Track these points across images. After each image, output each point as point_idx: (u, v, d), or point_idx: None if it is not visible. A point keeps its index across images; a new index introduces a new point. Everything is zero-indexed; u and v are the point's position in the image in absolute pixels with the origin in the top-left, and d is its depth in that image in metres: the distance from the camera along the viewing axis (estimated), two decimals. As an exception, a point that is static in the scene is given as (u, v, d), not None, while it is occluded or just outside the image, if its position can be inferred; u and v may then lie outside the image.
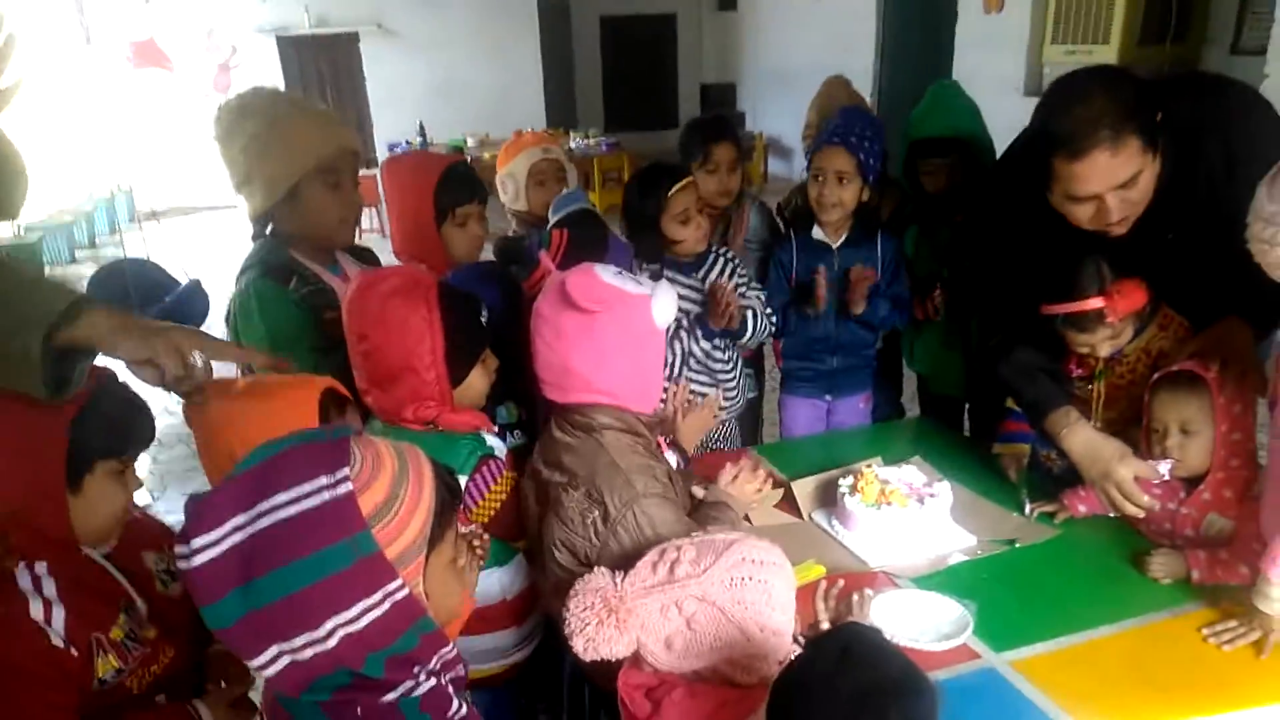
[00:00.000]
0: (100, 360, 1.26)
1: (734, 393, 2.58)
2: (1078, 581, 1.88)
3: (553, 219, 2.35)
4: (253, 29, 10.43)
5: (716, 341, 2.48)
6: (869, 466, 2.12)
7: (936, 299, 2.58)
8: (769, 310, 2.51)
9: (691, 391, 2.46)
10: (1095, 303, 1.89)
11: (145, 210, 10.52)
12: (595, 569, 1.34)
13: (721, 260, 2.51)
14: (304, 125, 1.87)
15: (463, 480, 1.56)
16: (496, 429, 1.77)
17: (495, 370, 1.68)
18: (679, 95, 13.88)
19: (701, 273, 2.46)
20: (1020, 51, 6.48)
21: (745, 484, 1.82)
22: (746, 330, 2.44)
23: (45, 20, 9.68)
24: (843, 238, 2.57)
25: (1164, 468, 1.83)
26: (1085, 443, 1.94)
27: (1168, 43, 5.63)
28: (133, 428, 1.31)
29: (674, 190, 2.37)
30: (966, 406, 2.90)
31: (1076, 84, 1.78)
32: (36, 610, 1.19)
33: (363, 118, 11.24)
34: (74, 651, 1.21)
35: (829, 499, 2.12)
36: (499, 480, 1.63)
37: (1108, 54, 5.76)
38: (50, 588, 1.21)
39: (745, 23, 11.83)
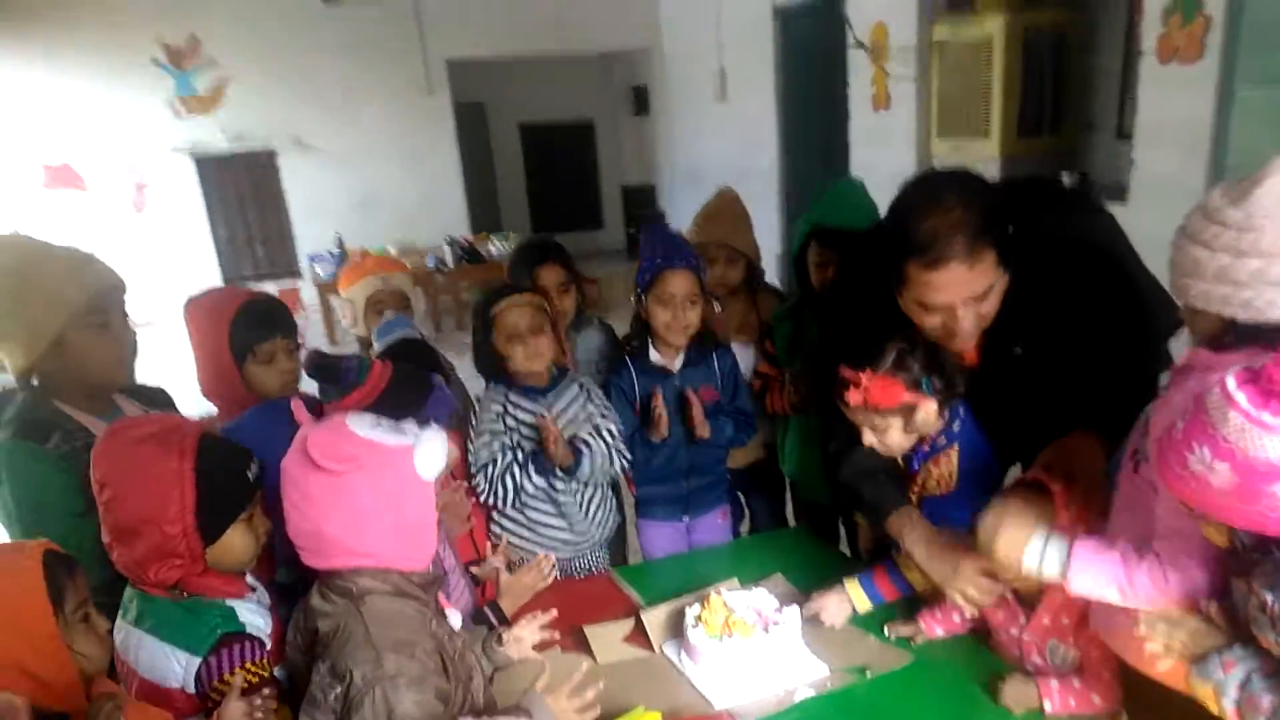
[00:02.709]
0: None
1: (589, 522, 2.47)
2: (930, 714, 1.80)
3: (377, 347, 2.28)
4: (168, 148, 10.38)
5: (559, 473, 2.38)
6: (717, 593, 2.04)
7: (788, 392, 2.54)
8: (618, 446, 2.41)
9: (511, 545, 2.40)
10: (852, 377, 1.85)
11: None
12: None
13: (575, 386, 2.44)
14: (53, 271, 1.76)
15: (195, 662, 1.43)
16: (267, 600, 1.62)
17: (267, 532, 1.56)
18: (602, 196, 14.16)
19: (550, 399, 2.39)
20: (909, 146, 6.68)
21: (563, 700, 1.59)
22: (582, 466, 2.34)
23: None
24: (681, 358, 2.52)
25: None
26: (927, 542, 1.88)
27: (1044, 133, 5.84)
28: None
29: (500, 307, 2.31)
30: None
31: (936, 189, 1.73)
32: None
33: (285, 232, 11.19)
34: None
35: (680, 629, 2.03)
36: (251, 663, 1.47)
37: (990, 147, 5.95)
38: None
39: (659, 126, 12.13)
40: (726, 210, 2.89)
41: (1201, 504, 1.22)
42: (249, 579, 1.62)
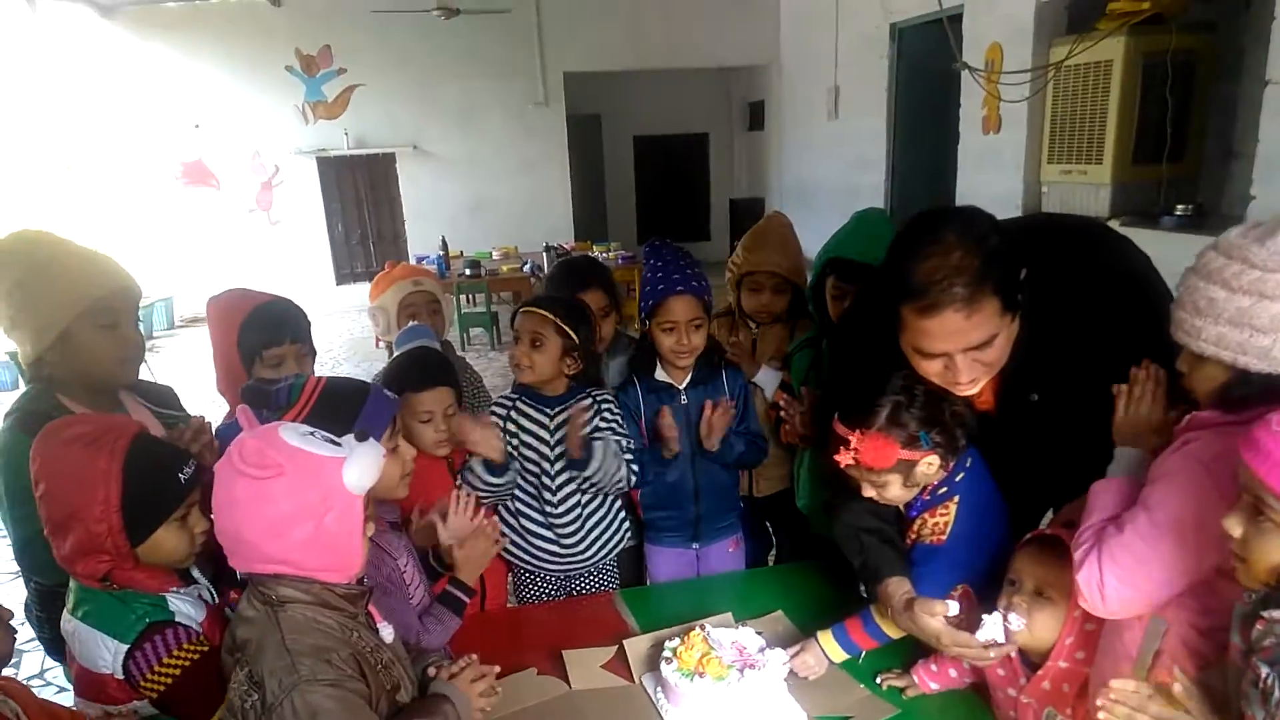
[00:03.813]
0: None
1: (584, 540, 2.41)
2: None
3: (395, 352, 2.29)
4: (294, 151, 10.93)
5: (546, 480, 2.35)
6: (702, 628, 1.95)
7: (796, 423, 2.43)
8: (628, 458, 2.34)
9: (505, 552, 2.37)
10: (844, 433, 1.74)
11: (187, 316, 10.96)
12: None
13: (590, 399, 2.39)
14: (71, 267, 1.83)
15: (123, 649, 1.44)
16: (198, 593, 1.62)
17: (205, 532, 1.55)
18: (710, 209, 14.12)
19: (557, 410, 2.35)
20: (1018, 170, 6.38)
21: (468, 679, 1.62)
22: (591, 461, 2.26)
23: (97, 140, 10.30)
24: (688, 377, 2.44)
25: (1014, 623, 1.63)
26: (906, 627, 1.77)
27: (1164, 161, 5.47)
28: None
29: (520, 314, 2.31)
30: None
31: (937, 229, 1.56)
32: None
33: (397, 232, 11.62)
34: None
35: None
36: (179, 649, 1.49)
37: (1102, 174, 5.62)
38: None
39: (772, 141, 12.03)
40: (775, 236, 2.76)
41: None
42: (194, 573, 1.64)
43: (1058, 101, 6.02)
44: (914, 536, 1.88)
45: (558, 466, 2.35)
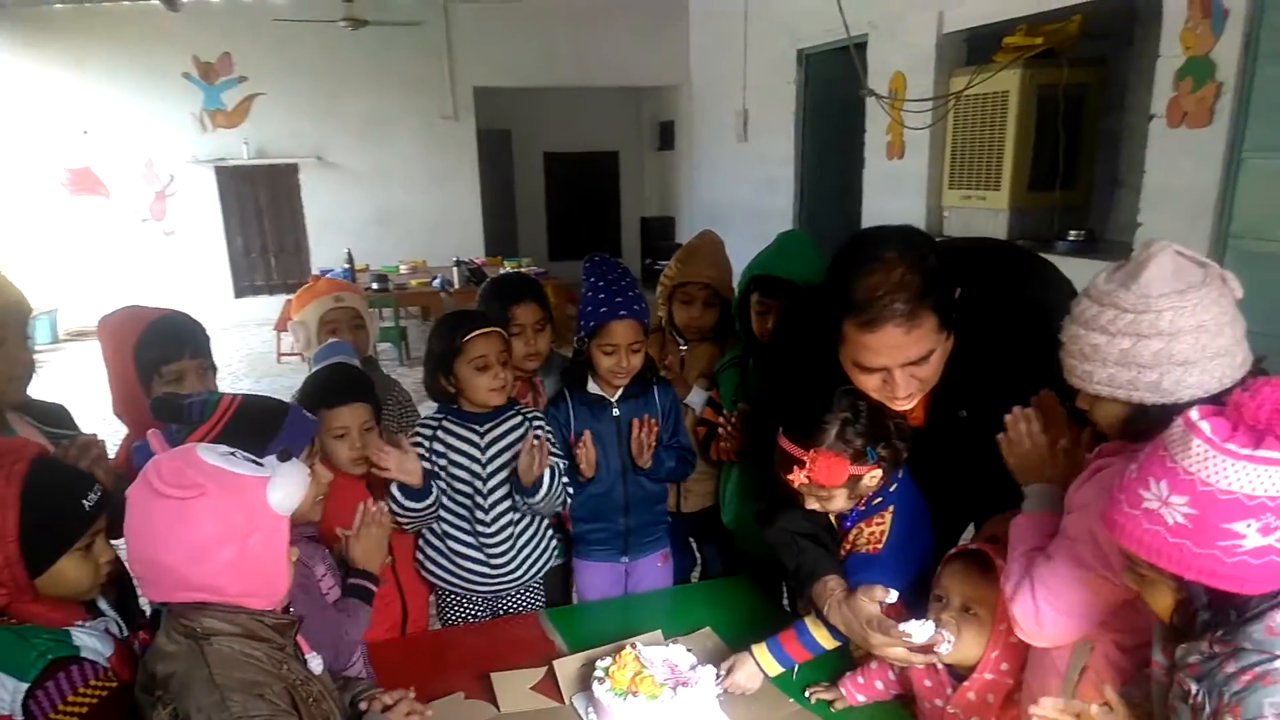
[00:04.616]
0: None
1: (514, 559, 2.37)
2: (836, 787, 1.70)
3: (312, 368, 2.23)
4: (190, 159, 10.52)
5: (479, 500, 2.31)
6: (633, 646, 1.94)
7: (724, 440, 2.46)
8: (565, 481, 2.35)
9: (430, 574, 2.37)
10: (797, 452, 1.78)
11: (73, 329, 10.39)
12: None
13: (519, 417, 2.37)
14: None
15: (22, 688, 1.34)
16: (105, 626, 1.52)
17: (110, 562, 1.47)
18: (622, 227, 14.19)
19: (487, 426, 2.32)
20: (921, 195, 6.62)
21: (402, 712, 1.61)
22: (540, 488, 2.26)
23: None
24: (620, 391, 2.45)
25: (944, 645, 1.66)
26: (844, 620, 1.80)
27: (1057, 188, 5.75)
28: None
29: (472, 335, 2.26)
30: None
31: (879, 247, 1.62)
32: None
33: (300, 245, 11.29)
34: None
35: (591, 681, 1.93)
36: (84, 687, 1.38)
37: (1000, 199, 5.86)
38: None
39: (682, 161, 12.15)
40: (709, 250, 2.81)
41: (1151, 549, 1.10)
42: (101, 605, 1.55)
43: (958, 129, 6.28)
44: (849, 547, 1.91)
45: (491, 484, 2.31)
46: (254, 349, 9.63)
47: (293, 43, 10.29)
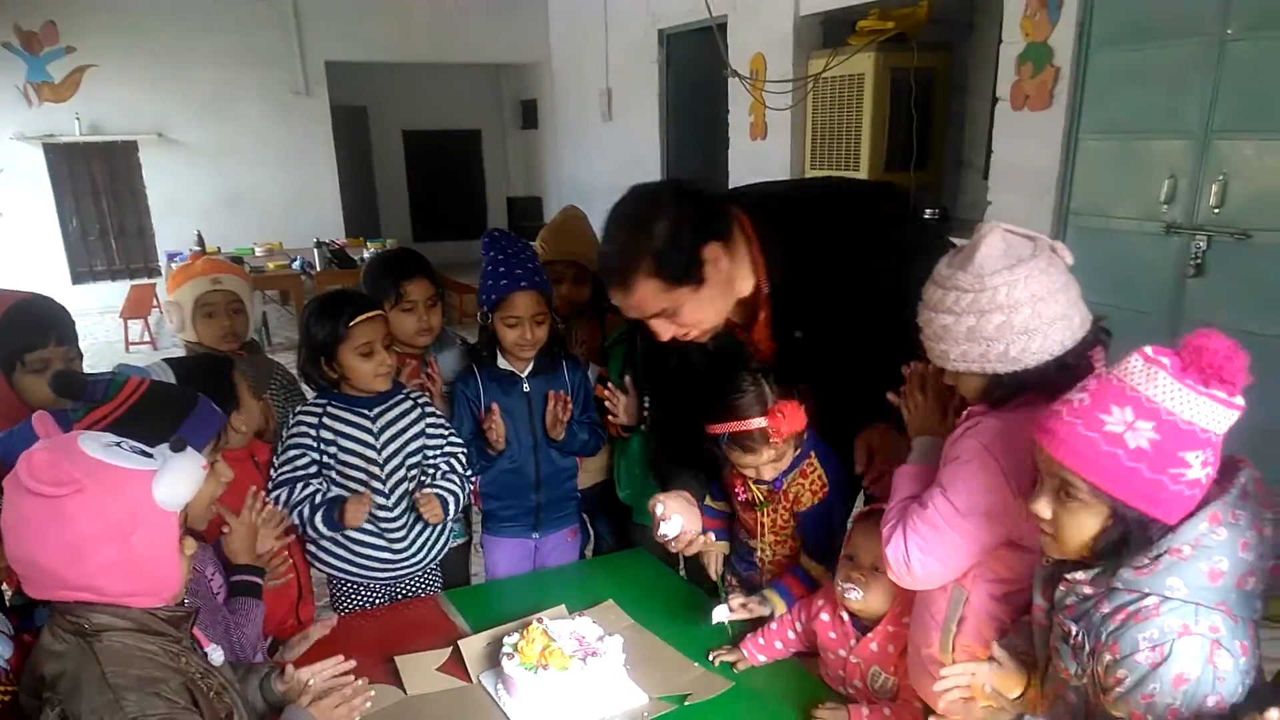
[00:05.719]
0: None
1: (414, 543, 2.36)
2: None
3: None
4: (15, 136, 9.69)
5: (377, 485, 2.28)
6: (539, 621, 1.97)
7: (620, 414, 2.51)
8: (467, 474, 2.39)
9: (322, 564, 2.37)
10: (759, 422, 1.90)
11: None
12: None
13: (409, 401, 2.34)
14: None
15: None
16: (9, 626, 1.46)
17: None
18: (487, 207, 13.98)
19: (377, 411, 2.29)
20: (784, 175, 6.80)
21: (331, 706, 1.58)
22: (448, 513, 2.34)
23: None
24: (529, 366, 2.46)
25: (852, 595, 1.79)
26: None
27: (912, 169, 6.04)
28: None
29: (357, 321, 2.21)
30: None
31: (619, 211, 1.82)
32: None
33: (143, 227, 10.60)
34: None
35: (499, 658, 1.95)
36: None
37: (859, 179, 6.13)
38: None
39: (547, 140, 12.07)
40: (574, 228, 2.83)
41: (1102, 470, 1.14)
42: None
43: (817, 111, 6.50)
44: (791, 505, 2.03)
45: (389, 469, 2.28)
46: (98, 338, 8.99)
47: (125, 12, 9.64)
